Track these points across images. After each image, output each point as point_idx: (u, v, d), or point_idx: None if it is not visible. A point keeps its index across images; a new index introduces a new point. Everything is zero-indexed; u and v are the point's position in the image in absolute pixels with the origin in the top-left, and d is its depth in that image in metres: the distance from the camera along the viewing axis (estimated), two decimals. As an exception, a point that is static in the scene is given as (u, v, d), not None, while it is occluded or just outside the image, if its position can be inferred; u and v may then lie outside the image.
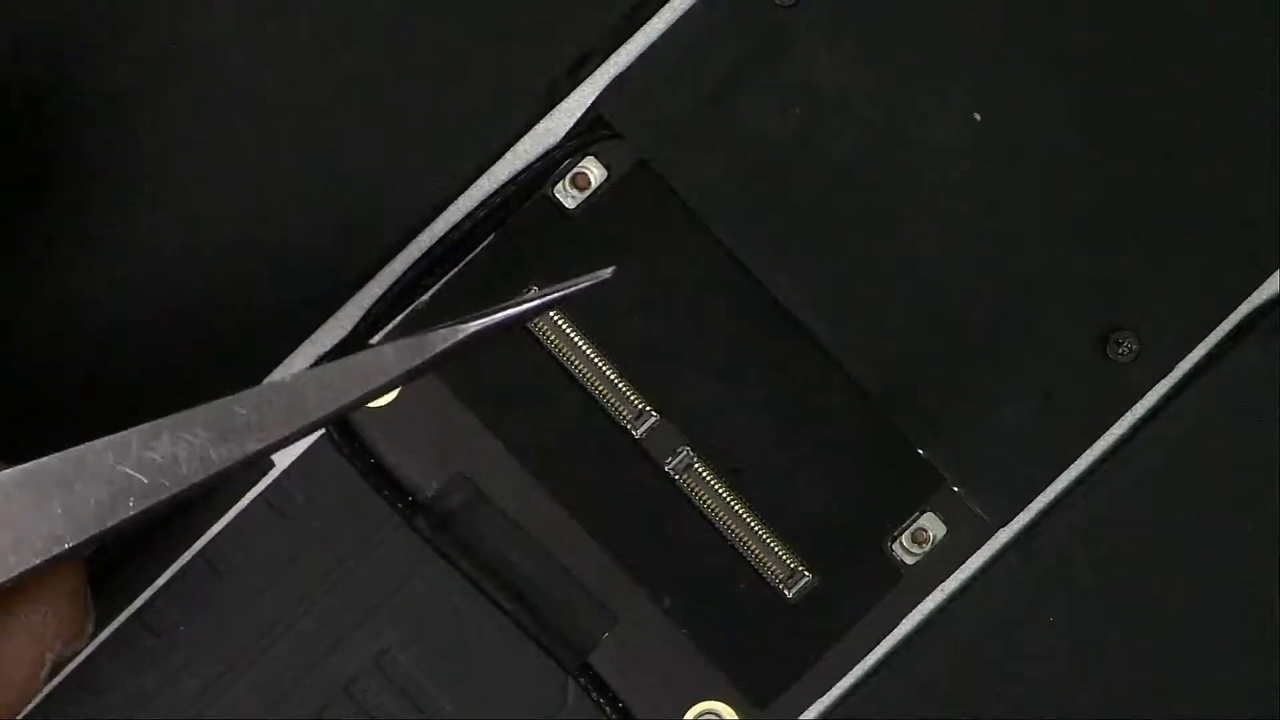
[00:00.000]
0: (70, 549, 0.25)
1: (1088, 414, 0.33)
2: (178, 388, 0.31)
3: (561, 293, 0.27)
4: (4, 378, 0.32)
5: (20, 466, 0.25)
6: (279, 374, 0.33)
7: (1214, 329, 0.33)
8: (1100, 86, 0.33)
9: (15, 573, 0.25)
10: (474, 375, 0.33)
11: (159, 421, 0.26)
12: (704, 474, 0.33)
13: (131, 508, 0.25)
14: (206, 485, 0.26)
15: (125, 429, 0.25)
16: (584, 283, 0.27)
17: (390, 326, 0.33)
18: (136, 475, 0.25)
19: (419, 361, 0.26)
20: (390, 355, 0.26)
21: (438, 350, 0.26)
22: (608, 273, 0.27)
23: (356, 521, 0.33)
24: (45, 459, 0.25)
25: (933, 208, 0.33)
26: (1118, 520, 0.33)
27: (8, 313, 0.32)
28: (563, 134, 0.33)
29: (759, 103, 0.33)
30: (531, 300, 0.27)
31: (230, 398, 0.26)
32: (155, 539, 0.33)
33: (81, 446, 0.25)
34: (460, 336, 0.26)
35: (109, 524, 0.25)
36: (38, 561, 0.25)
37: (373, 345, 0.29)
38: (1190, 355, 0.33)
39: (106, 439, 0.26)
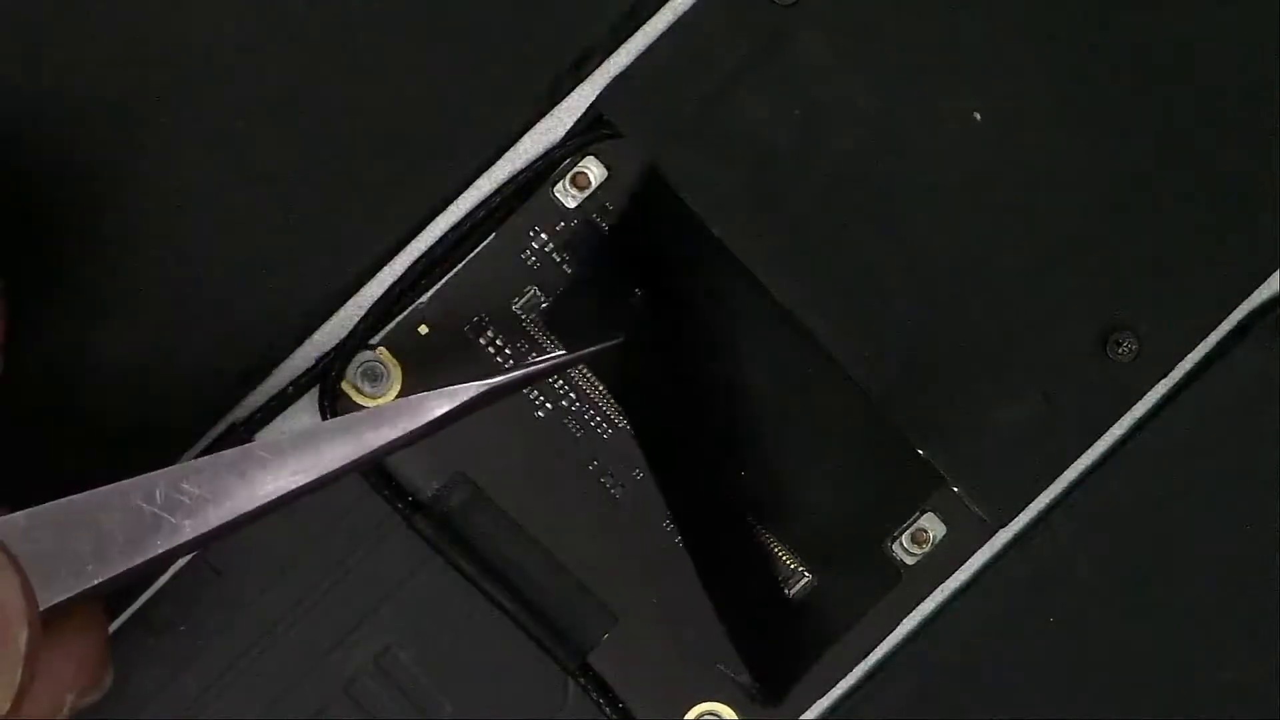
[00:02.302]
0: (96, 586, 0.25)
1: (1088, 414, 0.33)
2: (177, 388, 0.31)
3: (571, 357, 0.30)
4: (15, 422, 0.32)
5: (50, 503, 0.26)
6: (280, 374, 0.33)
7: (1214, 329, 0.33)
8: (1101, 86, 0.33)
9: (41, 608, 0.25)
10: (474, 375, 0.33)
11: (184, 464, 0.26)
12: (704, 474, 0.33)
13: (158, 547, 0.26)
14: (230, 529, 0.26)
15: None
16: (595, 348, 0.29)
17: (390, 326, 0.33)
18: (164, 515, 0.26)
19: (441, 412, 0.27)
20: (406, 408, 0.27)
21: (456, 405, 0.27)
22: (618, 339, 0.28)
23: (356, 521, 0.33)
24: (74, 496, 0.26)
25: (933, 207, 0.33)
26: (1118, 520, 0.33)
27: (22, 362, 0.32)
28: (563, 133, 0.33)
29: (759, 102, 0.33)
30: (540, 363, 0.29)
31: (255, 443, 0.26)
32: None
33: (109, 486, 0.26)
34: (471, 395, 0.28)
35: (135, 562, 0.26)
36: (63, 598, 0.25)
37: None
38: (1190, 355, 0.33)
39: (134, 479, 0.26)
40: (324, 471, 0.26)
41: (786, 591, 0.33)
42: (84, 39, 0.32)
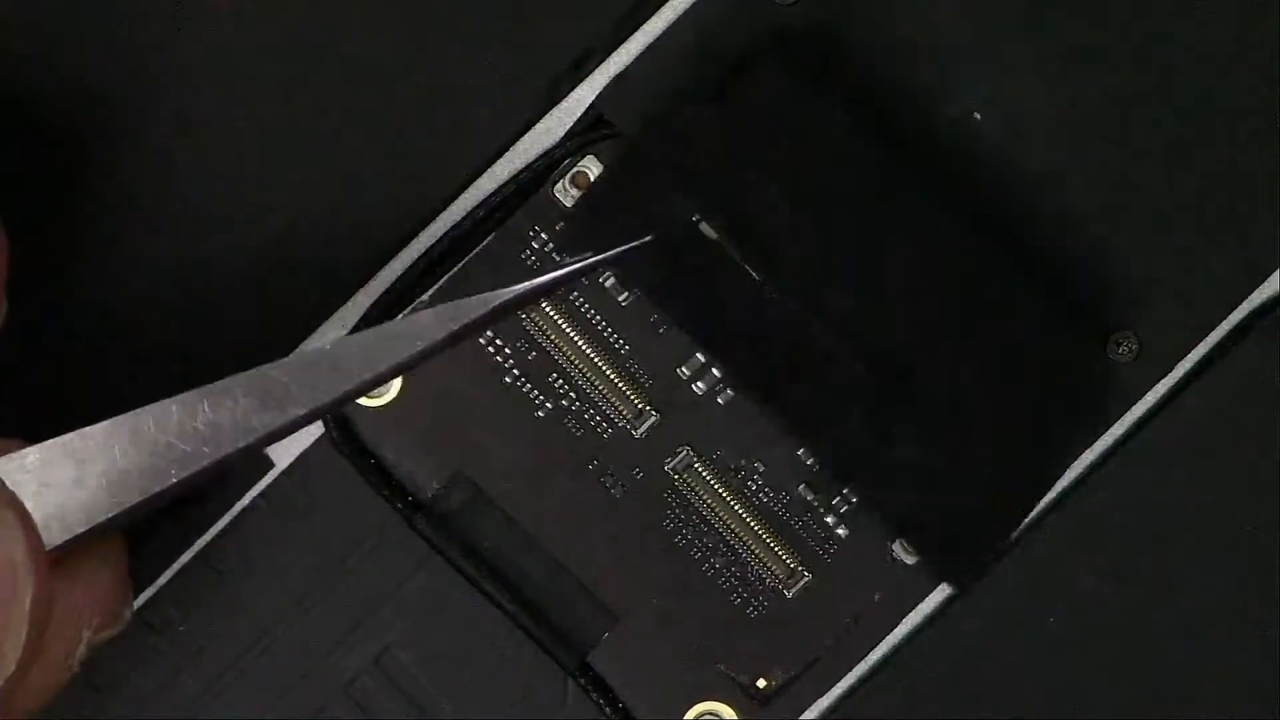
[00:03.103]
0: (111, 519, 0.25)
1: (1088, 414, 0.33)
2: (178, 389, 0.31)
3: (600, 258, 0.27)
4: (24, 365, 0.32)
5: (61, 437, 0.25)
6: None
7: (1214, 329, 0.33)
8: (1100, 85, 0.33)
9: (55, 544, 0.25)
10: (474, 375, 0.33)
11: (200, 389, 0.25)
12: (704, 474, 0.33)
13: (174, 476, 0.25)
14: (248, 452, 0.25)
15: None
16: (623, 248, 0.27)
17: (390, 326, 0.33)
18: (178, 443, 0.25)
19: (457, 326, 0.26)
20: (430, 320, 0.26)
21: (476, 315, 0.26)
22: (648, 239, 0.27)
23: (356, 521, 0.33)
24: (86, 429, 0.25)
25: (933, 207, 0.33)
26: (1118, 520, 0.33)
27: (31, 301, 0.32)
28: (563, 133, 0.33)
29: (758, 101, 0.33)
30: (572, 264, 0.27)
31: (270, 365, 0.25)
32: (155, 539, 0.33)
33: (122, 415, 0.25)
34: (498, 301, 0.26)
35: (151, 492, 0.25)
36: (79, 532, 0.25)
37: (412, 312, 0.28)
38: (1190, 355, 0.33)
39: (147, 407, 0.25)
40: (344, 390, 0.25)
41: (786, 592, 0.33)
42: (89, 37, 0.32)
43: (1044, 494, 0.33)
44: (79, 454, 0.25)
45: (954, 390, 0.32)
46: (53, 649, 0.25)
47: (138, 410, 0.25)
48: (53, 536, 0.25)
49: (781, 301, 0.32)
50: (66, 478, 0.25)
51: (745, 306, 0.32)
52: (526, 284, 0.26)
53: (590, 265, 0.27)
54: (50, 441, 0.25)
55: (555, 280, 0.27)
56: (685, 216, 0.31)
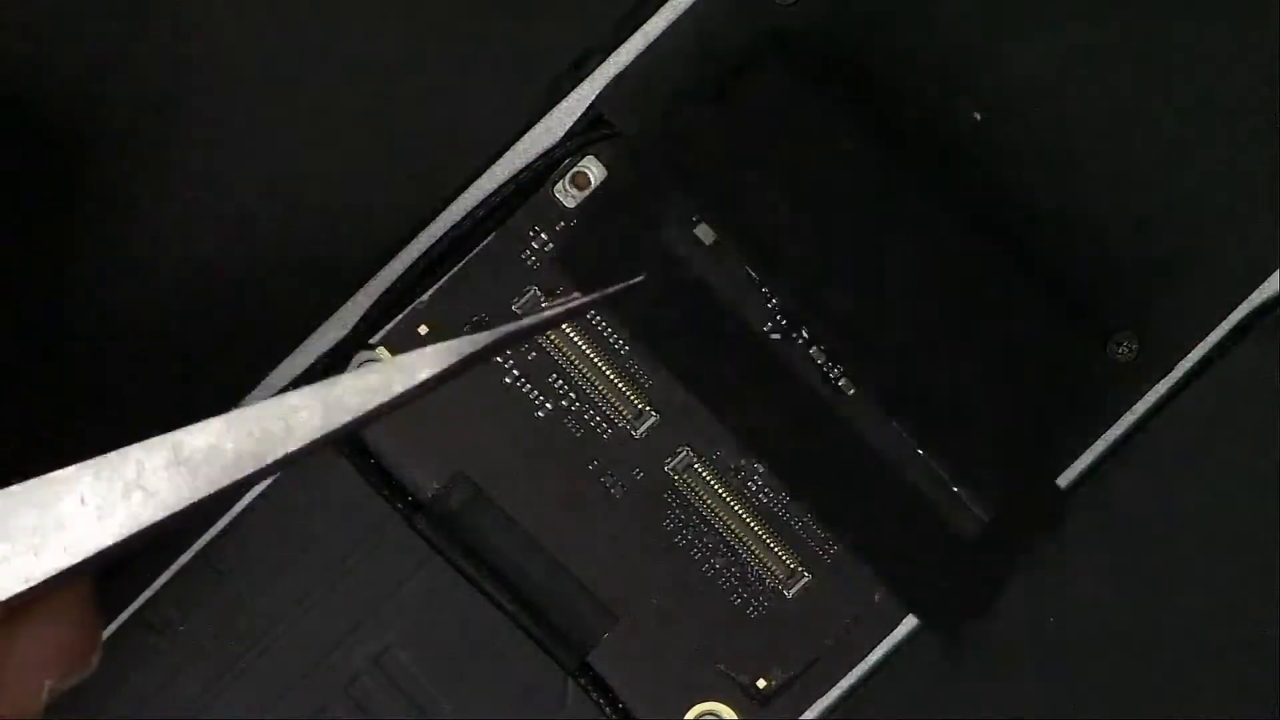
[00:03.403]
0: (79, 564, 0.24)
1: (1088, 414, 0.33)
2: (179, 388, 0.31)
3: (593, 298, 0.27)
4: (23, 365, 0.32)
5: (23, 483, 0.24)
6: (279, 373, 0.33)
7: (1214, 329, 0.33)
8: (1100, 85, 0.33)
9: (17, 590, 0.24)
10: (474, 375, 0.33)
11: (169, 434, 0.24)
12: (704, 474, 0.33)
13: (141, 523, 0.24)
14: (220, 499, 0.24)
15: (134, 434, 0.25)
16: (616, 288, 0.27)
17: (390, 326, 0.33)
18: (147, 489, 0.24)
19: (450, 364, 0.25)
20: (417, 361, 0.25)
21: (467, 354, 0.25)
22: (640, 278, 0.27)
23: (356, 521, 0.33)
24: (57, 471, 0.24)
25: (933, 206, 0.33)
26: (1117, 520, 0.33)
27: (31, 301, 0.32)
28: (563, 133, 0.33)
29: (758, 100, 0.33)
30: (566, 304, 0.26)
31: (248, 407, 0.25)
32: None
33: (87, 461, 0.24)
34: (492, 339, 0.25)
35: (116, 540, 0.24)
36: (44, 578, 0.24)
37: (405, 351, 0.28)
38: (1190, 355, 0.33)
39: (114, 453, 0.24)
40: (325, 434, 0.24)
41: (786, 592, 0.33)
42: (88, 37, 0.32)
43: (1040, 533, 0.32)
44: (41, 500, 0.24)
45: (954, 390, 0.32)
46: (12, 699, 0.24)
47: (103, 456, 0.24)
48: (9, 586, 0.24)
49: (773, 341, 0.32)
50: (32, 520, 0.24)
51: (737, 348, 0.32)
52: (508, 327, 0.26)
53: (578, 307, 0.27)
54: (11, 488, 0.24)
55: (540, 323, 0.26)
56: (685, 216, 0.31)
